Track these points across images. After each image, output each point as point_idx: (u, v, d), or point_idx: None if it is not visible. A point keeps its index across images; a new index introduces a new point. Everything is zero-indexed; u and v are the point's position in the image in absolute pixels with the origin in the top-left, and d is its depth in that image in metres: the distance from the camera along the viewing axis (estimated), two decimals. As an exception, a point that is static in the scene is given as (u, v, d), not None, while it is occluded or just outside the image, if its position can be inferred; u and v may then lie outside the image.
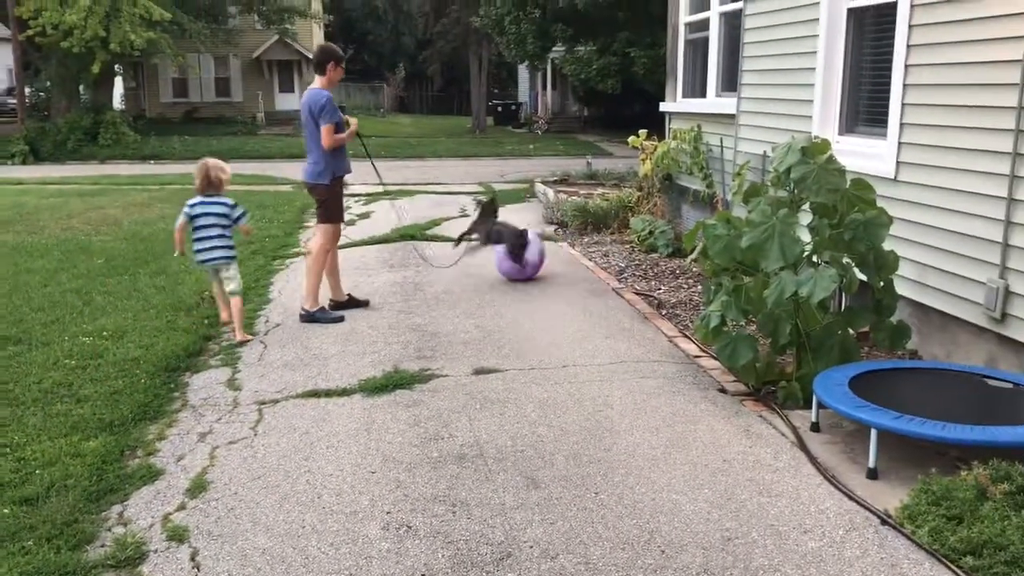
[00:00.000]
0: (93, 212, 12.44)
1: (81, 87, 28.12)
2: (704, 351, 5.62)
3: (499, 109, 43.34)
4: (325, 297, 6.91)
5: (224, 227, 6.24)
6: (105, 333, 6.12)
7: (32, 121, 27.00)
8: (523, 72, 43.55)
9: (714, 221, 5.00)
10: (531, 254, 7.79)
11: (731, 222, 4.94)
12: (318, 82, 6.61)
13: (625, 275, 8.12)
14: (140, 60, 30.88)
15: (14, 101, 30.26)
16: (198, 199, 6.24)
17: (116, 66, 29.05)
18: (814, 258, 4.75)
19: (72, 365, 5.42)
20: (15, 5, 24.40)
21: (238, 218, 6.29)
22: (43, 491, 3.73)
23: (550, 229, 10.75)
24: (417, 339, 6.08)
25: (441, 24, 41.00)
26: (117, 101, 33.78)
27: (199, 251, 6.22)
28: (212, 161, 6.40)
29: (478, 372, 5.31)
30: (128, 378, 5.18)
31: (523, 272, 7.83)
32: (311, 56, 36.19)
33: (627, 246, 9.46)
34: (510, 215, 12.28)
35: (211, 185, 6.23)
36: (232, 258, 6.31)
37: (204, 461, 4.08)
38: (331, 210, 6.78)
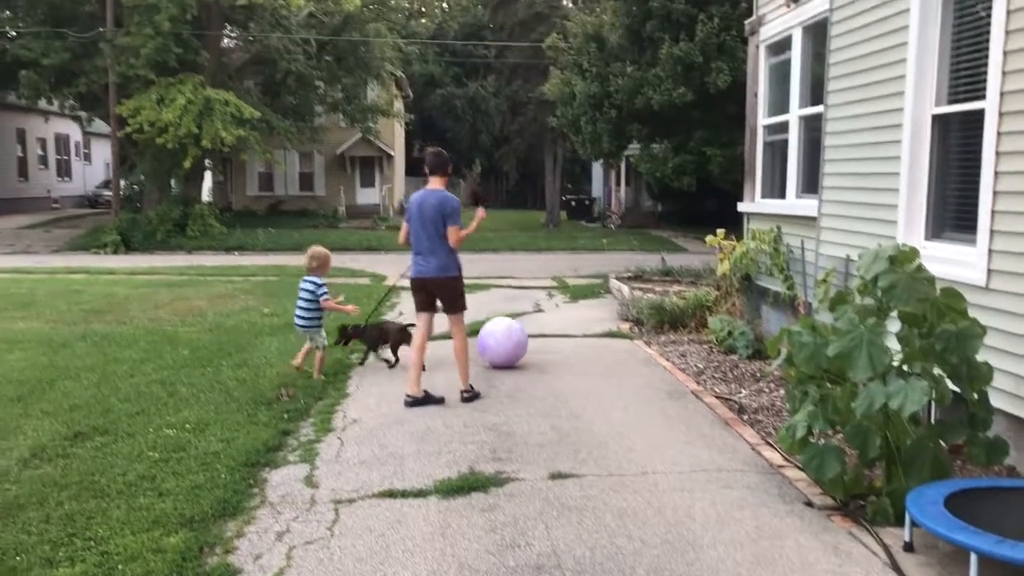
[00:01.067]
0: (179, 303, 12.84)
1: (172, 180, 29.41)
2: (788, 461, 5.45)
3: (572, 204, 43.79)
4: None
5: (308, 300, 7.85)
6: (188, 425, 6.24)
7: (125, 212, 28.23)
8: (597, 168, 44.13)
9: (799, 328, 4.91)
10: (496, 344, 8.41)
11: (816, 329, 4.85)
12: (439, 183, 7.24)
13: (704, 377, 8.00)
14: (229, 155, 32.23)
15: (110, 193, 31.78)
16: (305, 277, 7.99)
17: (206, 161, 30.36)
18: (904, 368, 4.62)
19: (156, 458, 5.52)
20: (116, 104, 25.85)
21: (320, 296, 7.85)
22: (124, 588, 3.76)
23: (625, 326, 10.69)
24: (492, 439, 6.04)
25: (517, 122, 41.93)
26: (205, 194, 35.17)
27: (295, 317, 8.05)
28: (312, 249, 8.15)
29: (554, 477, 5.23)
30: (209, 472, 5.25)
31: (498, 359, 8.43)
32: (391, 153, 37.58)
33: (705, 346, 9.33)
34: (583, 311, 12.30)
35: (310, 269, 7.98)
36: (309, 327, 7.92)
37: (281, 561, 4.08)
38: (463, 298, 7.49)
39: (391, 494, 4.98)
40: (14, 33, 28.62)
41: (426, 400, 7.03)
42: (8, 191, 35.99)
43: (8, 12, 29.26)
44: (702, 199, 31.11)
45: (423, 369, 7.41)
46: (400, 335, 8.56)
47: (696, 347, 9.35)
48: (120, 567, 3.95)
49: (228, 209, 35.36)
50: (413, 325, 7.94)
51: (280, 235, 27.52)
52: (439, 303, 7.41)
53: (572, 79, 27.08)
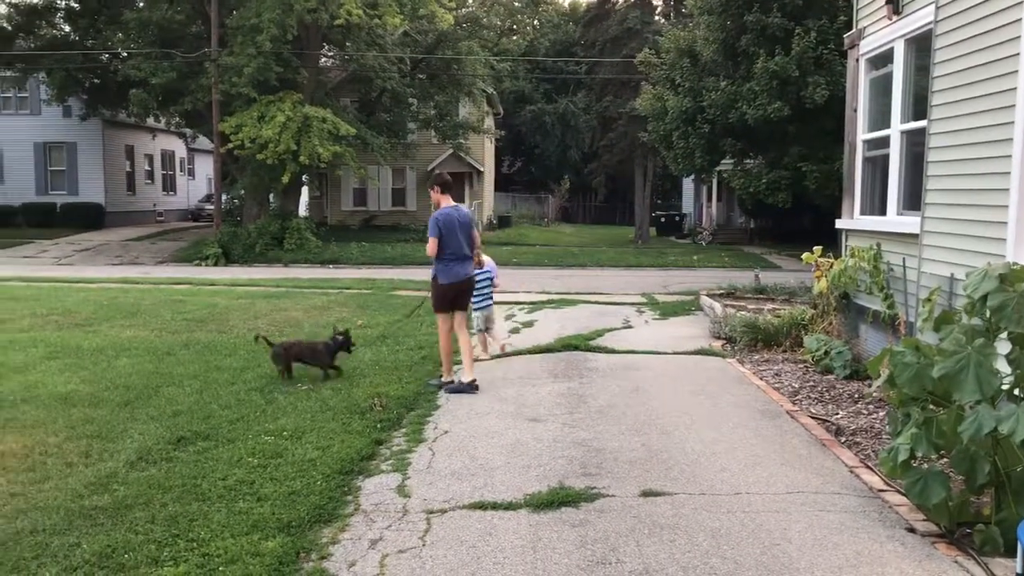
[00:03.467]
0: (277, 314, 13.20)
1: (271, 195, 30.31)
2: (889, 485, 5.27)
3: (662, 220, 43.48)
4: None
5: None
6: (285, 433, 6.40)
7: (226, 226, 29.22)
8: (687, 183, 43.73)
9: (902, 348, 4.75)
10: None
11: (920, 349, 4.69)
12: (454, 200, 8.33)
13: (799, 397, 7.81)
14: (325, 171, 33.06)
15: (211, 207, 32.95)
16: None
17: (303, 176, 31.21)
18: (1015, 392, 4.43)
19: (255, 463, 5.67)
20: (219, 121, 26.81)
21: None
22: (225, 589, 3.87)
23: (717, 344, 10.52)
24: (582, 455, 6.02)
25: (607, 138, 41.87)
26: (302, 209, 36.13)
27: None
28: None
29: (646, 494, 5.18)
30: (305, 479, 5.37)
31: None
32: (481, 168, 38.00)
33: (800, 366, 9.11)
34: (674, 328, 12.17)
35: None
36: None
37: (375, 569, 4.14)
38: None
39: (481, 506, 5.01)
40: (125, 54, 30.01)
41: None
42: (117, 205, 37.68)
43: (120, 34, 30.72)
44: (796, 215, 30.53)
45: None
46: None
47: (791, 366, 9.14)
48: (221, 569, 4.08)
49: (323, 223, 36.22)
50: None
51: (373, 249, 28.04)
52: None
53: (664, 94, 26.95)
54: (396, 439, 6.43)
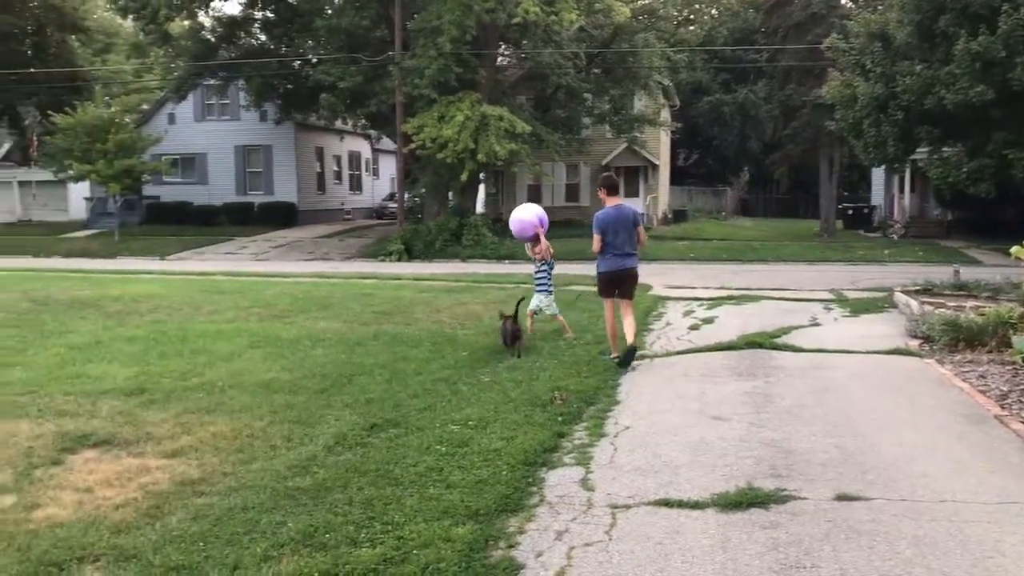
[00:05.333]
0: (458, 307, 13.56)
1: (450, 193, 31.13)
2: (1119, 500, 4.81)
3: (849, 212, 41.46)
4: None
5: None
6: (470, 423, 6.56)
7: (408, 223, 30.27)
8: (877, 174, 41.42)
9: None
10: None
11: None
12: (619, 199, 9.25)
13: (1008, 401, 7.24)
14: (501, 168, 33.58)
15: (394, 206, 34.25)
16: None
17: (481, 174, 31.86)
18: None
19: (442, 451, 5.85)
20: (402, 122, 27.78)
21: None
22: (419, 571, 4.02)
23: (914, 344, 9.93)
24: (770, 455, 5.83)
25: (790, 128, 40.32)
26: (479, 206, 36.86)
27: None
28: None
29: (840, 498, 4.95)
30: (491, 468, 5.48)
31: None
32: (656, 162, 37.54)
33: (1008, 367, 8.45)
34: (865, 326, 11.58)
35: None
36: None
37: (562, 560, 4.17)
38: None
39: (667, 503, 4.94)
40: (315, 60, 31.65)
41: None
42: (309, 203, 39.85)
43: (311, 41, 32.44)
44: (1000, 206, 28.34)
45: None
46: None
47: (998, 368, 8.49)
48: (415, 552, 4.22)
49: (499, 220, 36.64)
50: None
51: (547, 244, 28.22)
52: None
53: (854, 80, 25.73)
54: (577, 433, 6.45)
